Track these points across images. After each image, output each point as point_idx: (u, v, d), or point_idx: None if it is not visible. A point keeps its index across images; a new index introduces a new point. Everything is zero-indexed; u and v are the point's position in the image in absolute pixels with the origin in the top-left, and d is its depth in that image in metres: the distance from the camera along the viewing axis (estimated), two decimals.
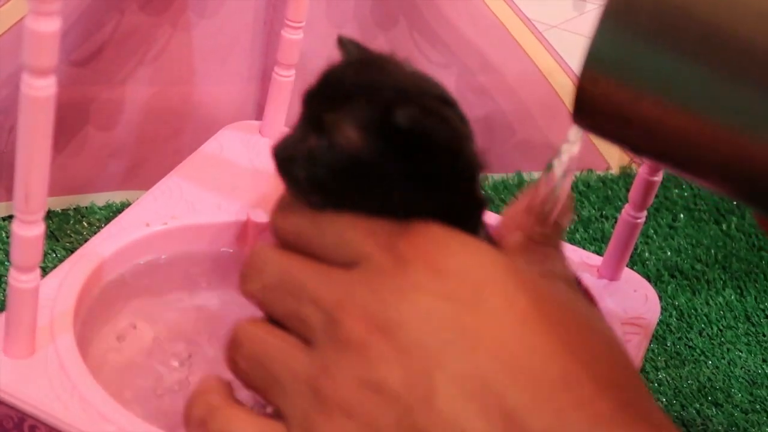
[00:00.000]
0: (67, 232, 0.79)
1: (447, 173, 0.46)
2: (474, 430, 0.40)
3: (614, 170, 0.99)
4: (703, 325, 0.83)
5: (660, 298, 0.73)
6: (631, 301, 0.70)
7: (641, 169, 0.70)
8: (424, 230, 0.44)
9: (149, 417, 0.57)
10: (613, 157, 0.99)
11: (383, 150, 0.44)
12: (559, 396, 0.40)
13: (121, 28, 0.79)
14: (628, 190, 0.90)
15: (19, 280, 0.53)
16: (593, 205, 0.94)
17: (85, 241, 0.66)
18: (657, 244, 0.91)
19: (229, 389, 0.46)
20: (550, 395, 0.40)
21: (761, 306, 0.86)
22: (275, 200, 0.47)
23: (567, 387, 0.40)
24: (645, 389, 0.43)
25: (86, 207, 0.83)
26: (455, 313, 0.42)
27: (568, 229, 0.58)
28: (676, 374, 0.78)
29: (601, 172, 0.98)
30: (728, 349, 0.81)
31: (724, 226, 0.94)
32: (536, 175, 0.95)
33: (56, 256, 0.77)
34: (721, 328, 0.83)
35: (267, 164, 0.74)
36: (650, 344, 0.78)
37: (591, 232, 0.90)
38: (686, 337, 0.81)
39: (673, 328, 0.82)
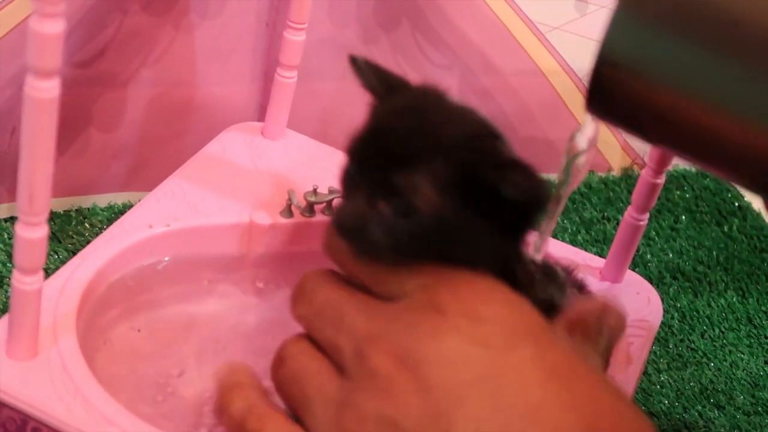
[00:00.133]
0: (69, 233, 0.79)
1: (522, 224, 0.46)
2: None
3: (616, 172, 0.99)
4: (705, 327, 0.83)
5: (662, 300, 0.73)
6: (633, 304, 0.70)
7: (644, 171, 0.70)
8: (468, 278, 0.45)
9: (152, 419, 0.57)
10: (614, 158, 0.99)
11: (463, 207, 0.44)
12: None
13: (123, 30, 0.79)
14: (629, 192, 0.90)
15: (23, 282, 0.53)
16: (595, 207, 0.94)
17: (87, 243, 0.66)
18: (659, 245, 0.91)
19: (259, 382, 0.48)
20: None
21: (763, 308, 0.86)
22: (328, 229, 0.48)
23: None
24: None
25: (88, 208, 0.83)
26: (483, 359, 0.43)
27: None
28: (678, 376, 0.78)
29: (602, 174, 0.98)
30: (730, 351, 0.81)
31: (725, 228, 0.94)
32: None
33: (58, 257, 0.77)
34: (723, 330, 0.83)
35: (269, 165, 0.74)
36: (652, 346, 0.78)
37: (593, 233, 0.90)
38: (688, 339, 0.81)
39: (675, 330, 0.82)
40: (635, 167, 0.99)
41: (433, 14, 0.88)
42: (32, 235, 0.51)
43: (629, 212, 0.71)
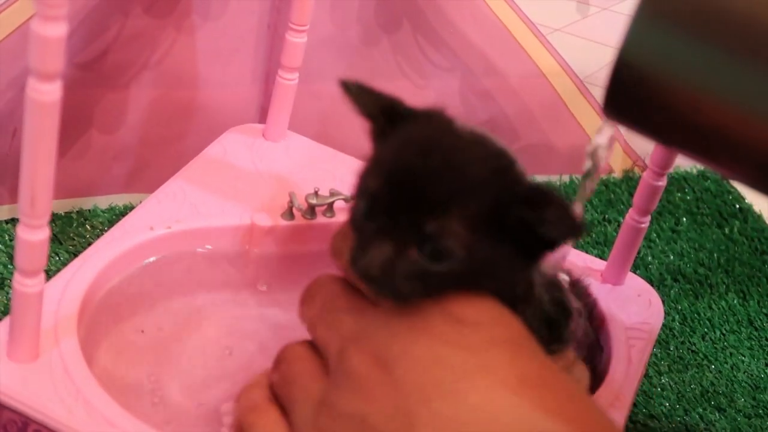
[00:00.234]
0: (70, 235, 0.79)
1: (546, 248, 0.46)
2: None
3: (617, 174, 0.99)
4: (706, 330, 0.83)
5: (663, 302, 0.73)
6: (635, 306, 0.70)
7: (645, 173, 0.70)
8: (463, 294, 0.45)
9: (153, 421, 0.57)
10: (615, 160, 0.99)
11: (494, 243, 0.44)
12: None
13: (124, 31, 0.79)
14: (630, 194, 0.90)
15: (24, 284, 0.53)
16: (596, 209, 0.94)
17: (89, 245, 0.66)
18: (660, 248, 0.91)
19: (267, 381, 0.50)
20: None
21: (764, 310, 0.86)
22: (338, 231, 0.49)
23: None
24: None
25: (89, 210, 0.83)
26: (455, 359, 0.43)
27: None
28: (679, 378, 0.78)
29: (603, 176, 0.98)
30: (731, 354, 0.81)
31: (726, 230, 0.94)
32: (539, 178, 0.95)
33: (59, 259, 0.76)
34: (724, 332, 0.83)
35: (270, 167, 0.74)
36: (653, 348, 0.78)
37: (594, 235, 0.90)
38: (689, 342, 0.81)
39: (676, 333, 0.82)
40: (636, 169, 0.99)
41: (435, 16, 0.88)
42: (33, 237, 0.51)
43: (630, 214, 0.71)
